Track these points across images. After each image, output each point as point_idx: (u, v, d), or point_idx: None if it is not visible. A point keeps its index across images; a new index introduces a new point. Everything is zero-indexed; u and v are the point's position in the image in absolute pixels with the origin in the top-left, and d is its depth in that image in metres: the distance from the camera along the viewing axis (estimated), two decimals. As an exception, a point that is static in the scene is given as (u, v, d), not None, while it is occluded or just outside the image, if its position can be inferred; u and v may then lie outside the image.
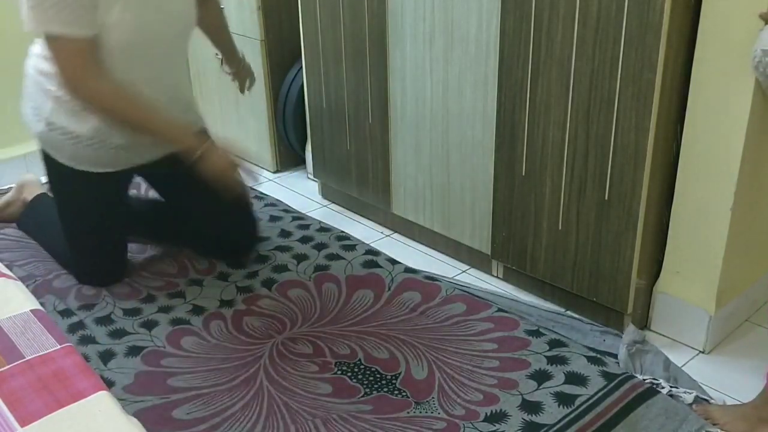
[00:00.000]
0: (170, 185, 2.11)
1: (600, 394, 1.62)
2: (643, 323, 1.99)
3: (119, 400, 1.57)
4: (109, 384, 1.64)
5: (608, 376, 1.67)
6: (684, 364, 1.85)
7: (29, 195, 2.24)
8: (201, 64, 3.19)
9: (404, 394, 1.62)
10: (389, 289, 2.01)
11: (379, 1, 2.22)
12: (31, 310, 1.33)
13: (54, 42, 1.60)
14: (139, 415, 1.54)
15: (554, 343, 1.80)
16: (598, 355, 1.77)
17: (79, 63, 1.62)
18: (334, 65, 2.47)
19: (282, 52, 2.87)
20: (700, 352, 1.91)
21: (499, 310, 1.94)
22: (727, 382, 1.79)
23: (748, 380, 1.79)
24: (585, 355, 1.75)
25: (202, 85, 3.24)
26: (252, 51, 2.87)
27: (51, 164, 1.89)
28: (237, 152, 1.87)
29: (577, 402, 1.60)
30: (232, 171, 1.81)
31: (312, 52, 2.56)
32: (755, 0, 1.59)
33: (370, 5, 2.26)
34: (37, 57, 1.82)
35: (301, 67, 2.66)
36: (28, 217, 2.25)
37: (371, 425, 1.52)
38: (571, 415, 1.56)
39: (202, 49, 3.15)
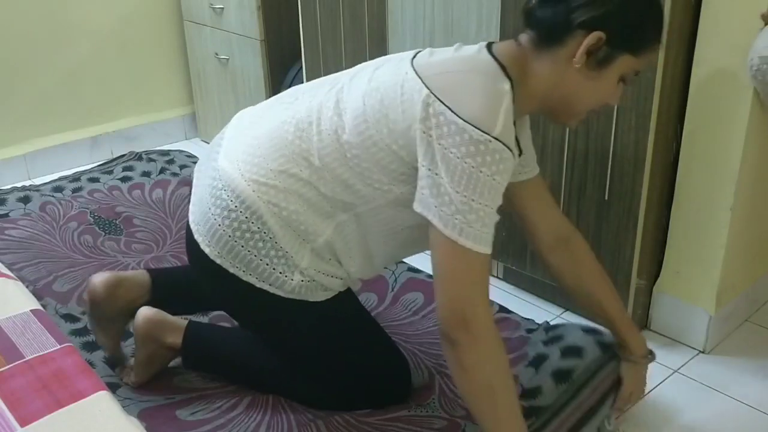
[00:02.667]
0: None
1: (596, 365, 1.61)
2: (643, 323, 1.99)
3: (125, 399, 1.58)
4: (115, 385, 1.64)
5: (603, 347, 1.64)
6: (684, 364, 1.85)
7: (171, 338, 1.63)
8: (201, 63, 3.19)
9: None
10: (393, 289, 2.01)
11: (379, 1, 2.22)
12: (31, 310, 1.33)
13: (462, 254, 1.31)
14: (144, 415, 1.53)
15: (551, 327, 1.79)
16: (594, 326, 1.71)
17: (483, 280, 1.34)
18: (334, 65, 2.47)
19: (282, 52, 2.88)
20: (700, 352, 1.91)
21: (501, 310, 1.93)
22: (727, 382, 1.79)
23: (748, 380, 1.80)
24: (581, 328, 1.71)
25: (202, 85, 3.24)
26: (252, 51, 2.87)
27: (303, 309, 1.48)
28: None
29: (574, 376, 1.58)
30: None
31: (312, 52, 2.56)
32: (755, 0, 1.59)
33: (370, 5, 2.26)
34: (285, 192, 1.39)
35: (301, 67, 2.66)
36: (208, 357, 1.70)
37: (372, 427, 1.52)
38: (569, 392, 1.55)
39: (201, 49, 3.15)
